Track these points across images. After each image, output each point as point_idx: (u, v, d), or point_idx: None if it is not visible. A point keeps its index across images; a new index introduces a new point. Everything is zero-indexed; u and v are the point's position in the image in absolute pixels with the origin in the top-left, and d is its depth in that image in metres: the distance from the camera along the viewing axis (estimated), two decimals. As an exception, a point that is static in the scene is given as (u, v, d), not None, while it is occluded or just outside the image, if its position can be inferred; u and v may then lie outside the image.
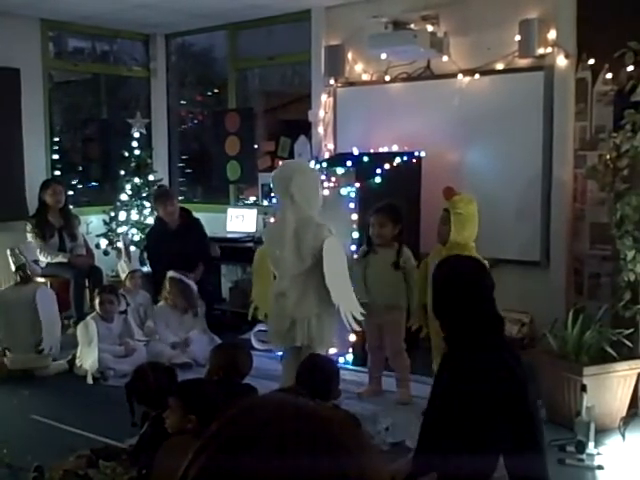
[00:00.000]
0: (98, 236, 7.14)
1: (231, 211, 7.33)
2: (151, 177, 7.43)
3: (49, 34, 7.39)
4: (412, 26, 5.80)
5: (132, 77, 8.31)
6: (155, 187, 7.28)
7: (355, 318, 4.10)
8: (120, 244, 6.60)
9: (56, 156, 7.46)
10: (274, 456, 0.72)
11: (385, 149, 5.96)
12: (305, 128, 6.86)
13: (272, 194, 6.29)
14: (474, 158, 5.83)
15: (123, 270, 6.18)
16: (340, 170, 5.40)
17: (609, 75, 5.11)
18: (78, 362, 5.39)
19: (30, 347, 5.26)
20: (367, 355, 4.91)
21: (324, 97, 6.67)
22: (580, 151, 5.34)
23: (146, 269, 6.55)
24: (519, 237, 5.60)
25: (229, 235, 7.10)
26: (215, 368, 3.77)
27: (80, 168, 8.28)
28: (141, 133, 7.43)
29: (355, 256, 4.94)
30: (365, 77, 6.45)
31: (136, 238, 7.13)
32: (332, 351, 4.60)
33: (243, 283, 7.12)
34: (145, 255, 6.70)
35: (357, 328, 4.24)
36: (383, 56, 6.01)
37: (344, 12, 6.47)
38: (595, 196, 5.16)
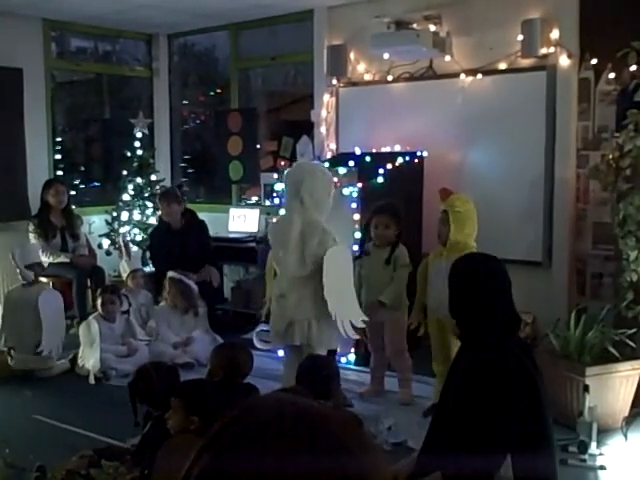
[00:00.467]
0: (100, 236, 7.14)
1: (233, 211, 7.32)
2: (153, 177, 7.43)
3: (52, 34, 7.39)
4: (414, 26, 5.81)
5: (134, 77, 8.31)
6: (158, 187, 7.29)
7: (355, 326, 4.07)
8: (120, 243, 6.61)
9: (58, 156, 7.47)
10: (275, 456, 0.72)
11: (387, 149, 5.96)
12: (307, 128, 6.86)
13: (274, 194, 6.28)
14: (476, 158, 5.82)
15: (125, 270, 6.19)
16: (342, 170, 5.39)
17: (612, 75, 5.11)
18: (80, 362, 5.40)
19: (31, 348, 5.27)
20: (370, 355, 4.91)
21: (326, 97, 6.67)
22: (583, 151, 5.33)
23: (148, 269, 6.55)
24: (521, 237, 5.60)
25: (231, 235, 7.09)
26: (216, 368, 3.76)
27: (82, 168, 8.29)
28: (143, 133, 7.43)
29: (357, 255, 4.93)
30: (367, 77, 6.45)
31: (138, 238, 7.14)
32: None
33: (245, 283, 7.13)
34: (148, 255, 6.71)
35: (355, 336, 4.22)
36: (385, 56, 6.00)
37: (347, 12, 6.46)
38: (598, 196, 5.16)
